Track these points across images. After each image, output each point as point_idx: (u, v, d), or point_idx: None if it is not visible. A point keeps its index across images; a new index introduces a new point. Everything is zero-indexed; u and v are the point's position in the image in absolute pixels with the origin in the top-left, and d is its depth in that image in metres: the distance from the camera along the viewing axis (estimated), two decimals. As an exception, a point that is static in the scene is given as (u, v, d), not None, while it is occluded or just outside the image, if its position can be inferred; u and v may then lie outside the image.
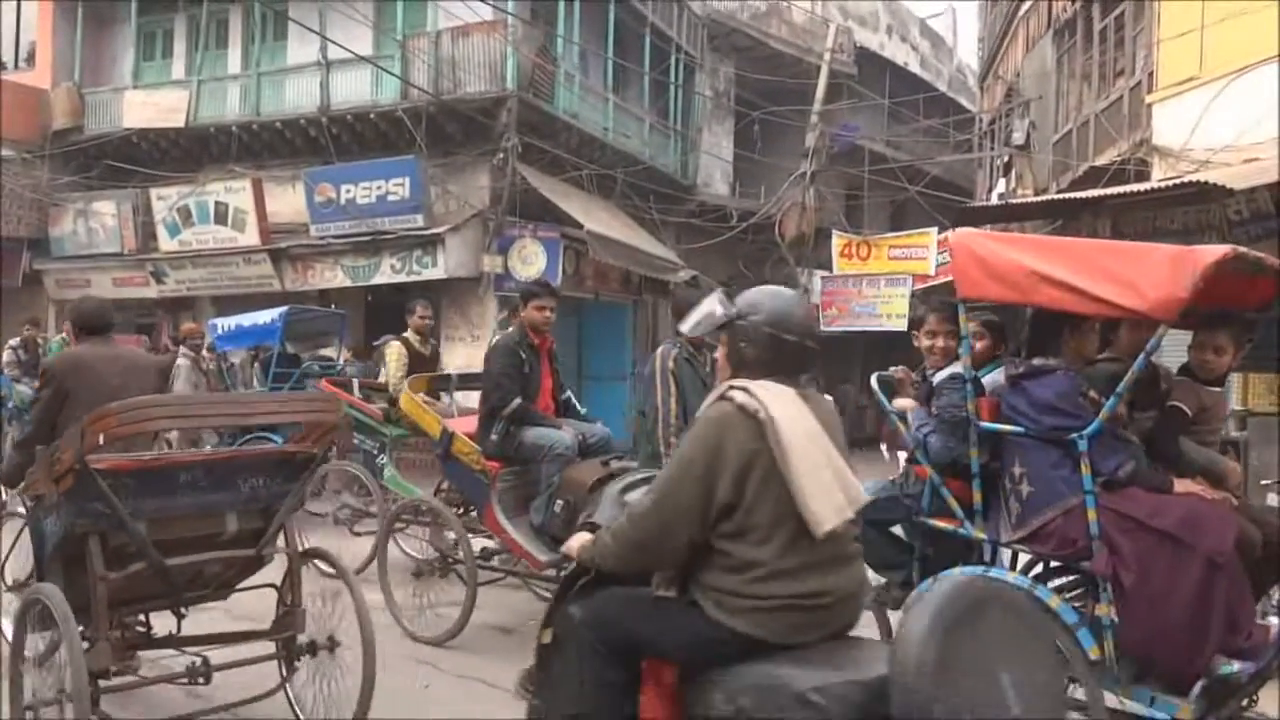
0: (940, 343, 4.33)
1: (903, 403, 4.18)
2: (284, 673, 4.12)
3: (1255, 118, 9.92)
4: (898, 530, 4.32)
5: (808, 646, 2.44)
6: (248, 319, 11.13)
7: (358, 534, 7.81)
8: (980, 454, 3.76)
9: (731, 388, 2.58)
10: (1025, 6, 17.79)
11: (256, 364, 11.23)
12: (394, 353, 8.21)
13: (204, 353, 11.11)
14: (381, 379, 8.65)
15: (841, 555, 2.59)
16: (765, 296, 2.72)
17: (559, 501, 5.36)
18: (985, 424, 3.75)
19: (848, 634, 2.63)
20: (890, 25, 25.88)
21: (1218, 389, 4.04)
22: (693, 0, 20.59)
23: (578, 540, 2.83)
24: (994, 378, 4.09)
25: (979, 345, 4.29)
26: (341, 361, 11.46)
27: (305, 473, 4.05)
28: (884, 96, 22.27)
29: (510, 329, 5.94)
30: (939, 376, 4.15)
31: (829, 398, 3.15)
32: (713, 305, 2.76)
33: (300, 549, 4.22)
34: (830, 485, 2.50)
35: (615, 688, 2.59)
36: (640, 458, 5.23)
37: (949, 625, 2.15)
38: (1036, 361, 3.71)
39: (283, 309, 10.88)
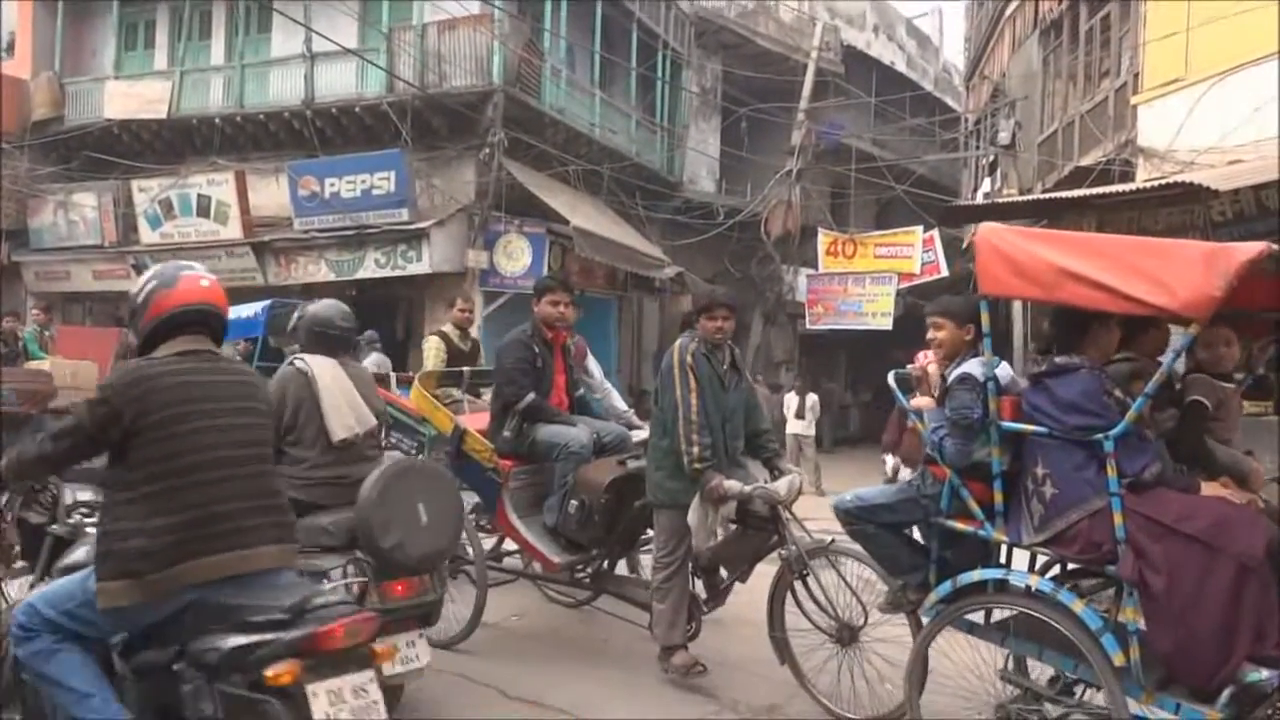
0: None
1: (921, 401, 4.06)
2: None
3: (1239, 119, 9.97)
4: (915, 534, 4.24)
5: (339, 507, 4.16)
6: (230, 312, 10.98)
7: None
8: (1002, 454, 3.66)
9: (296, 358, 4.50)
10: (1011, 7, 17.77)
11: (239, 357, 11.09)
12: (431, 347, 7.88)
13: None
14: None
15: (359, 455, 4.40)
16: (319, 307, 4.70)
17: (573, 501, 5.23)
18: (1007, 423, 3.65)
19: None
20: (877, 24, 25.88)
21: (1230, 384, 3.99)
22: (679, -3, 20.54)
23: None
24: (965, 369, 3.91)
25: (940, 335, 4.10)
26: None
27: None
28: (870, 95, 22.23)
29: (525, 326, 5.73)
30: (950, 376, 3.96)
31: (363, 364, 5.16)
32: (299, 314, 4.77)
33: None
34: (346, 414, 4.37)
35: None
36: (656, 455, 5.00)
37: (387, 482, 4.02)
38: (1059, 359, 3.62)
39: (266, 303, 10.77)
